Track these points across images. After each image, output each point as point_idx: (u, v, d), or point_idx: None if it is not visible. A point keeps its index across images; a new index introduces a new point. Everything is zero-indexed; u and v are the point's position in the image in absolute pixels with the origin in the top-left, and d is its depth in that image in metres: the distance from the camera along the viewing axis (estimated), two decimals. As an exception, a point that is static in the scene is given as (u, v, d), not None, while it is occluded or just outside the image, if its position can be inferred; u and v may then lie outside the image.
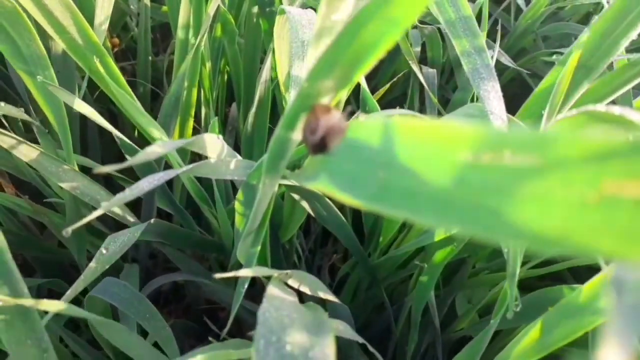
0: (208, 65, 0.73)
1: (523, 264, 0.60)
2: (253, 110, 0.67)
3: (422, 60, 0.88)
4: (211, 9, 0.63)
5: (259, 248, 0.44)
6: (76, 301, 0.59)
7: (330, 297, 0.51)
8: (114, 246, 0.50)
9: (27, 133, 0.74)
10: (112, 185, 0.71)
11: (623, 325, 0.15)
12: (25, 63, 0.53)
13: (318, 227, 0.80)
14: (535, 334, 0.45)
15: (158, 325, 0.55)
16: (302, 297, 0.45)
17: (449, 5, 0.48)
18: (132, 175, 0.73)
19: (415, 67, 0.74)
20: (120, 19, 0.86)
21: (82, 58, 0.53)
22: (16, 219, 0.71)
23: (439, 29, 0.83)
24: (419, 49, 0.84)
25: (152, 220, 0.59)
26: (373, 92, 0.77)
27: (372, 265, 0.64)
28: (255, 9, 0.74)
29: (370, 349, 0.53)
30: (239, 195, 0.49)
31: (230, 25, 0.71)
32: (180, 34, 0.69)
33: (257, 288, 0.72)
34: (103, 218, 0.73)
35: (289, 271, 0.43)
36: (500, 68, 0.90)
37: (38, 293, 0.69)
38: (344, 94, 0.58)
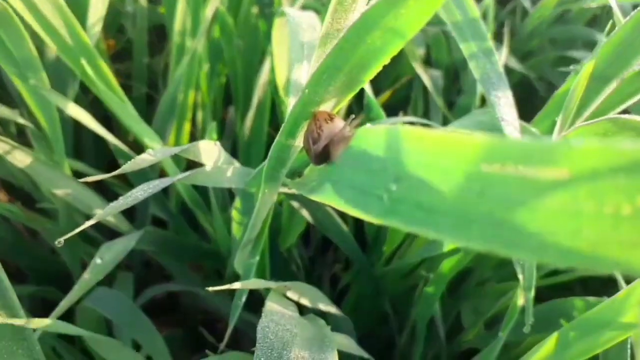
0: (205, 67, 0.72)
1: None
2: (251, 114, 0.66)
3: (426, 62, 0.87)
4: (209, 10, 0.62)
5: (257, 259, 0.43)
6: (69, 310, 0.58)
7: (331, 309, 0.50)
8: (108, 255, 0.49)
9: (20, 137, 0.73)
10: (106, 191, 0.70)
11: None
12: (17, 66, 0.52)
13: (318, 235, 0.79)
14: (550, 348, 0.44)
15: (152, 338, 0.54)
16: (302, 309, 0.44)
17: (456, 8, 0.47)
18: (127, 181, 0.72)
19: (419, 70, 0.73)
20: (116, 21, 0.85)
21: (74, 61, 0.52)
22: (8, 225, 0.70)
23: (443, 30, 0.82)
24: (422, 50, 0.83)
25: (146, 228, 0.58)
26: (376, 94, 0.76)
27: (376, 275, 0.63)
28: (255, 10, 0.73)
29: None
30: (237, 203, 0.48)
31: (228, 26, 0.70)
32: (176, 35, 0.68)
33: (255, 297, 0.71)
34: (97, 225, 0.72)
35: (287, 283, 0.42)
36: (506, 71, 0.89)
37: (31, 301, 0.68)
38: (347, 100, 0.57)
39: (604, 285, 0.63)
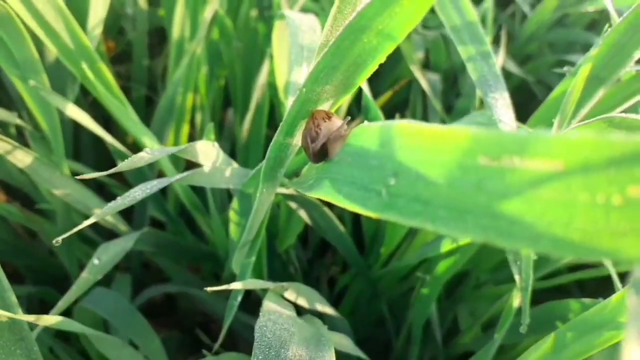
0: (204, 69, 0.73)
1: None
2: (249, 115, 0.67)
3: (425, 66, 0.88)
4: (208, 12, 0.63)
5: (253, 259, 0.44)
6: (66, 311, 0.59)
7: (329, 310, 0.51)
8: (105, 256, 0.50)
9: (19, 139, 0.74)
10: (104, 192, 0.70)
11: None
12: (18, 67, 0.53)
13: (316, 237, 0.79)
14: (547, 349, 0.45)
15: (148, 338, 0.54)
16: (299, 310, 0.45)
17: (454, 11, 0.47)
18: (125, 182, 0.72)
19: (417, 73, 0.74)
20: (116, 23, 0.86)
21: (74, 63, 0.53)
22: (6, 226, 0.70)
23: (442, 34, 0.82)
24: (421, 54, 0.84)
25: (144, 229, 0.59)
26: (375, 97, 0.76)
27: (373, 278, 0.64)
28: (254, 13, 0.74)
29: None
30: (234, 204, 0.48)
31: (227, 29, 0.71)
32: (175, 37, 0.69)
33: (252, 300, 0.71)
34: (95, 226, 0.73)
35: (284, 283, 0.43)
36: (505, 74, 0.89)
37: (28, 302, 0.69)
38: (345, 100, 0.58)
39: (601, 287, 0.64)
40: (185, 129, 0.72)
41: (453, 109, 0.80)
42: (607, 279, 0.53)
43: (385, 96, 0.69)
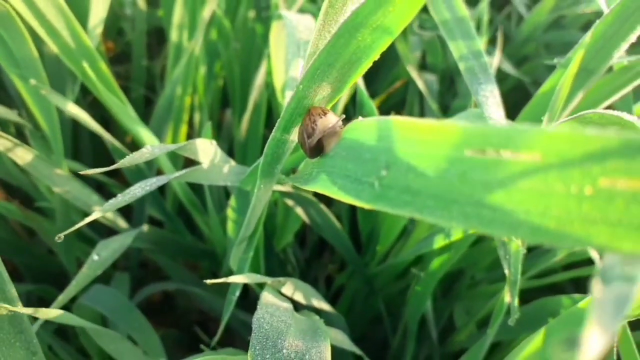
0: (202, 69, 0.74)
1: (522, 273, 0.61)
2: (247, 115, 0.68)
3: (422, 67, 0.89)
4: (206, 13, 0.64)
5: (251, 254, 0.45)
6: (65, 308, 0.60)
7: (325, 306, 0.52)
8: (105, 252, 0.51)
9: (18, 138, 0.75)
10: (104, 192, 0.71)
11: (607, 312, 0.16)
12: (18, 66, 0.54)
13: (314, 236, 0.80)
14: (537, 344, 0.46)
15: (147, 334, 0.55)
16: (296, 306, 0.46)
17: (445, 7, 0.49)
18: (124, 182, 0.73)
19: (414, 73, 0.75)
20: (115, 24, 0.87)
21: (75, 62, 0.54)
22: (5, 224, 0.71)
23: (438, 35, 0.84)
24: (418, 55, 0.85)
25: (143, 227, 0.60)
26: (372, 98, 0.77)
27: (369, 275, 0.65)
28: (251, 14, 0.75)
29: None
30: (232, 201, 0.49)
31: (225, 29, 0.72)
32: (174, 37, 0.70)
33: (249, 299, 0.72)
34: (93, 225, 0.74)
35: (281, 278, 0.44)
36: (501, 76, 0.91)
37: (27, 299, 0.70)
38: (342, 98, 0.59)
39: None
40: (184, 129, 0.73)
41: (449, 110, 0.81)
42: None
43: (382, 96, 0.70)
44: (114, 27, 0.88)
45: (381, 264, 0.64)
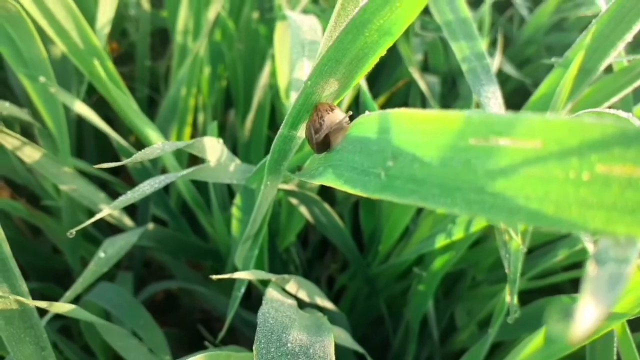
0: (207, 70, 0.75)
1: (522, 274, 0.62)
2: (251, 115, 0.69)
3: (425, 69, 0.90)
4: (211, 14, 0.65)
5: (256, 252, 0.46)
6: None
7: (328, 304, 0.53)
8: (111, 249, 0.52)
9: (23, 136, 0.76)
10: (108, 191, 0.72)
11: (601, 288, 0.17)
12: (26, 66, 0.55)
13: (316, 236, 0.81)
14: (538, 343, 0.47)
15: (151, 331, 0.56)
16: (300, 306, 0.47)
17: (447, 7, 0.50)
18: (129, 181, 0.74)
19: (416, 75, 0.76)
20: (120, 24, 0.88)
21: (83, 61, 0.55)
22: (11, 223, 0.73)
23: (440, 37, 0.85)
24: (420, 56, 0.86)
25: (148, 225, 0.61)
26: (374, 99, 0.79)
27: (371, 275, 0.66)
28: (255, 15, 0.76)
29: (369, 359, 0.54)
30: (237, 200, 0.50)
31: (229, 30, 0.74)
32: (179, 38, 0.71)
33: (252, 299, 0.73)
34: (98, 224, 0.75)
35: (286, 275, 0.45)
36: (503, 77, 0.92)
37: (32, 297, 0.70)
38: (346, 100, 0.60)
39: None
40: (188, 130, 0.74)
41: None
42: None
43: (384, 96, 0.71)
44: (118, 27, 0.89)
45: (383, 264, 0.65)
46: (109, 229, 0.76)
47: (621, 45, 0.44)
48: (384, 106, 0.75)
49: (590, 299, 0.16)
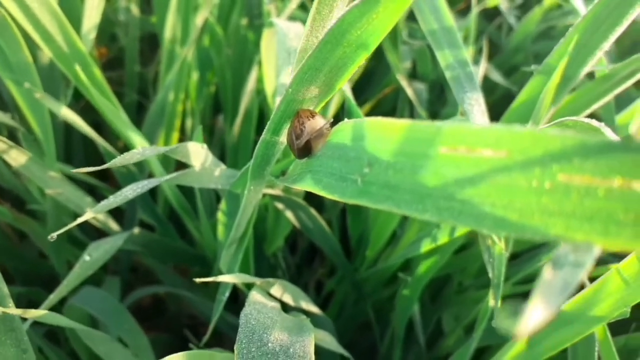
0: (195, 75, 0.76)
1: (507, 279, 0.62)
2: (238, 121, 0.70)
3: (413, 76, 0.91)
4: (199, 20, 0.66)
5: (241, 255, 0.46)
6: (55, 311, 0.61)
7: (313, 309, 0.53)
8: (96, 253, 0.52)
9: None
10: (95, 195, 0.73)
11: (552, 290, 0.18)
12: (12, 71, 0.55)
13: (304, 242, 0.82)
14: (521, 347, 0.48)
15: (137, 336, 0.56)
16: (285, 310, 0.47)
17: (431, 16, 0.51)
18: (116, 186, 0.75)
19: (403, 82, 0.77)
20: (109, 29, 0.89)
21: (68, 66, 0.55)
22: (-4, 227, 0.73)
23: (428, 45, 0.86)
24: (409, 64, 0.87)
25: (134, 230, 0.61)
26: (362, 106, 0.79)
27: (359, 279, 0.66)
28: (244, 21, 0.77)
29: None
30: (222, 205, 0.51)
31: (217, 36, 0.74)
32: (167, 43, 0.72)
33: (239, 304, 0.74)
34: (85, 229, 0.75)
35: (271, 279, 0.45)
36: (491, 85, 0.93)
37: (17, 302, 0.70)
38: (332, 106, 0.61)
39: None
40: (176, 135, 0.74)
41: (438, 117, 0.83)
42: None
43: (371, 103, 0.72)
44: (107, 32, 0.89)
45: (370, 269, 0.65)
46: (95, 233, 0.76)
47: (600, 53, 0.44)
48: (371, 113, 0.76)
49: (539, 300, 0.17)
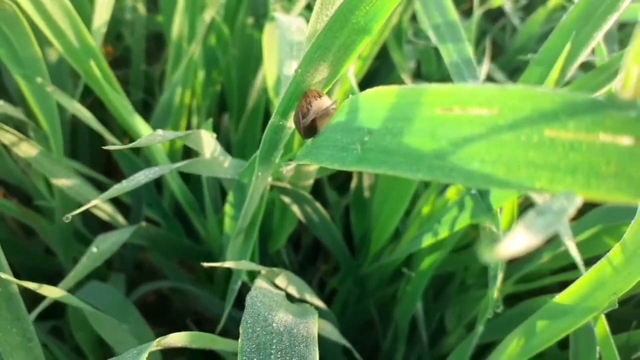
0: (201, 74, 0.77)
1: (509, 277, 0.63)
2: (244, 118, 0.71)
3: (417, 76, 0.92)
4: (206, 19, 0.67)
5: (250, 248, 0.47)
6: (61, 307, 0.62)
7: (317, 302, 0.54)
8: (103, 245, 0.53)
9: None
10: (102, 192, 0.74)
11: (534, 225, 0.19)
12: (21, 66, 0.57)
13: (308, 238, 0.83)
14: (520, 340, 0.49)
15: (142, 330, 0.57)
16: (289, 299, 0.48)
17: (435, 10, 0.52)
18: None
19: (408, 82, 0.78)
20: (115, 28, 0.90)
21: (78, 61, 0.57)
22: (3, 223, 0.74)
23: (433, 46, 0.87)
24: (413, 64, 0.88)
25: (141, 224, 0.62)
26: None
27: (362, 276, 0.67)
28: (250, 20, 0.78)
29: (357, 355, 0.55)
30: (230, 197, 0.52)
31: (224, 35, 0.76)
32: (174, 42, 0.73)
33: (244, 298, 0.74)
34: (91, 226, 0.76)
35: (275, 269, 0.46)
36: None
37: (22, 297, 0.71)
38: (339, 92, 0.62)
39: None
40: (182, 132, 0.76)
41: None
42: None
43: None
44: (113, 31, 0.91)
45: (373, 264, 0.66)
46: (101, 231, 0.77)
47: (592, 44, 0.46)
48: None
49: (522, 229, 0.18)
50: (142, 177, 0.39)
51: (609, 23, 0.45)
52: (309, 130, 0.33)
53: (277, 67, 0.57)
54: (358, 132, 0.28)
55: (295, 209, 0.57)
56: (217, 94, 0.85)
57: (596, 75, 0.51)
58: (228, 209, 0.53)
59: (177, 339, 0.36)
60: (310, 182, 0.55)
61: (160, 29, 0.89)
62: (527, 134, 0.20)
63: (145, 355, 0.33)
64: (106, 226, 0.72)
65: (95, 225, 0.77)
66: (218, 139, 0.85)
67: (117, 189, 0.38)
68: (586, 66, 0.56)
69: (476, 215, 0.47)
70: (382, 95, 0.27)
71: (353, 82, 0.54)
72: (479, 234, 0.49)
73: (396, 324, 0.69)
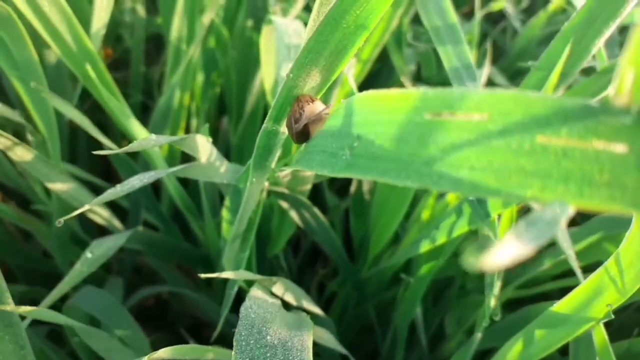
0: (200, 76, 0.77)
1: (509, 283, 0.63)
2: (243, 121, 0.71)
3: (418, 80, 0.92)
4: (205, 20, 0.67)
5: (247, 253, 0.47)
6: (56, 309, 0.61)
7: (314, 309, 0.54)
8: (99, 250, 0.53)
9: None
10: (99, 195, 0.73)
11: (526, 234, 0.18)
12: (18, 69, 0.56)
13: (307, 244, 0.82)
14: (519, 347, 0.48)
15: (136, 337, 0.57)
16: (287, 309, 0.48)
17: (435, 12, 0.52)
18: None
19: (408, 85, 0.78)
20: (114, 30, 0.90)
21: (76, 65, 0.56)
22: (1, 226, 0.73)
23: (433, 48, 0.87)
24: (413, 67, 0.88)
25: (138, 228, 0.62)
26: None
27: (361, 280, 0.67)
28: (249, 23, 0.78)
29: (354, 361, 0.55)
30: (227, 201, 0.52)
31: (223, 37, 0.75)
32: (173, 44, 0.73)
33: (241, 303, 0.74)
34: (88, 229, 0.76)
35: (273, 277, 0.46)
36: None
37: (20, 301, 0.71)
38: (336, 95, 0.62)
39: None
40: (181, 135, 0.75)
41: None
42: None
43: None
44: (112, 33, 0.90)
45: (372, 269, 0.66)
46: (99, 235, 0.77)
47: (595, 49, 0.45)
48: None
49: (512, 239, 0.18)
50: (137, 182, 0.39)
51: (611, 29, 0.44)
52: (302, 135, 0.32)
53: (274, 70, 0.56)
54: (348, 138, 0.27)
55: (293, 214, 0.57)
56: (216, 97, 0.85)
57: (596, 79, 0.50)
58: (225, 213, 0.52)
59: (169, 352, 0.36)
60: (308, 187, 0.54)
61: (160, 30, 0.89)
62: (518, 140, 0.20)
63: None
64: (105, 230, 0.72)
65: (93, 229, 0.77)
66: (217, 141, 0.85)
67: (112, 193, 0.38)
68: (589, 71, 0.56)
69: (474, 222, 0.47)
70: (372, 99, 0.26)
71: (353, 85, 0.54)
72: (478, 239, 0.49)
73: (395, 329, 0.68)
